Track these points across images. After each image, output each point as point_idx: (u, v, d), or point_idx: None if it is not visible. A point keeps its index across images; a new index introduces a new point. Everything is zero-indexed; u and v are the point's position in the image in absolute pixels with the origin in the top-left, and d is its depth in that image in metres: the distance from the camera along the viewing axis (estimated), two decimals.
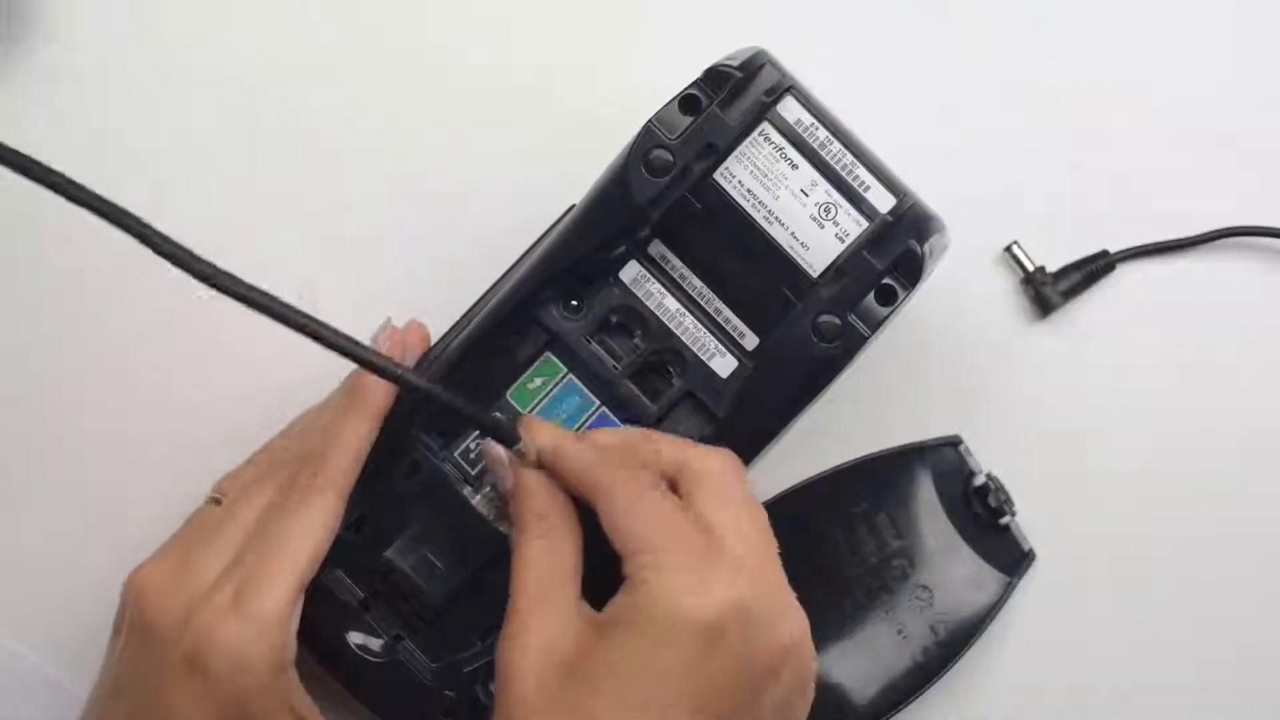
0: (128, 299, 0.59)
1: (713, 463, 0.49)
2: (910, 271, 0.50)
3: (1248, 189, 0.57)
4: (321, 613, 0.52)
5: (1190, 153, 0.58)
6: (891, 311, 0.50)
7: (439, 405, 0.46)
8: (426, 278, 0.58)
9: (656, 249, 0.52)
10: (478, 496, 0.52)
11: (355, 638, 0.52)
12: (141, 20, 0.59)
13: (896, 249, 0.50)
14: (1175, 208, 0.57)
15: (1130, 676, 0.58)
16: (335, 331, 0.43)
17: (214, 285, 0.41)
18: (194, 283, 0.58)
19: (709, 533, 0.46)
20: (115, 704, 0.50)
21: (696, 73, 0.51)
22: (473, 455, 0.53)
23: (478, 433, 0.53)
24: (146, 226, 0.40)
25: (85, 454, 0.59)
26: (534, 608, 0.46)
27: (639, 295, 0.52)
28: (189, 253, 0.40)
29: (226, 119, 0.57)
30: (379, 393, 0.51)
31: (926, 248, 0.50)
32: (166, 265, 0.58)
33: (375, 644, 0.52)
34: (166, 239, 0.40)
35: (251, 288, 0.41)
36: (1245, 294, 0.58)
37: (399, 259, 0.58)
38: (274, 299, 0.42)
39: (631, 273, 0.52)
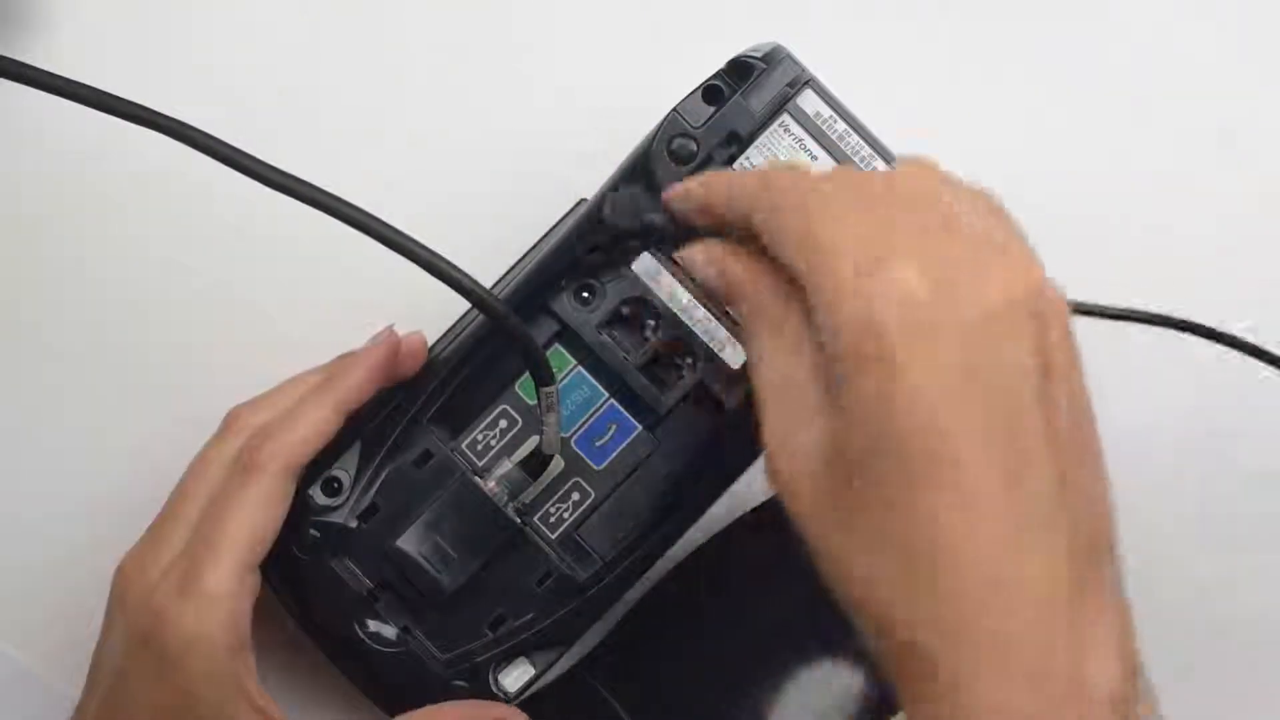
0: (129, 302, 0.58)
1: None
2: None
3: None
4: (328, 602, 0.51)
5: (1189, 152, 0.59)
6: None
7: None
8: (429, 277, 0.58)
9: None
10: (490, 484, 0.52)
11: (370, 625, 0.51)
12: (142, 21, 0.59)
13: None
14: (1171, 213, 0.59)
15: None
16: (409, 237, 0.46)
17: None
18: (196, 285, 0.59)
19: None
20: (91, 693, 0.49)
21: (696, 75, 0.52)
22: (480, 447, 0.53)
23: (485, 425, 0.53)
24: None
25: (78, 452, 0.58)
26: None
27: (651, 287, 0.52)
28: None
29: (226, 121, 0.57)
30: (355, 384, 0.51)
31: None
32: (169, 269, 0.58)
33: (390, 632, 0.51)
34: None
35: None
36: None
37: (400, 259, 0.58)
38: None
39: (644, 264, 0.53)
